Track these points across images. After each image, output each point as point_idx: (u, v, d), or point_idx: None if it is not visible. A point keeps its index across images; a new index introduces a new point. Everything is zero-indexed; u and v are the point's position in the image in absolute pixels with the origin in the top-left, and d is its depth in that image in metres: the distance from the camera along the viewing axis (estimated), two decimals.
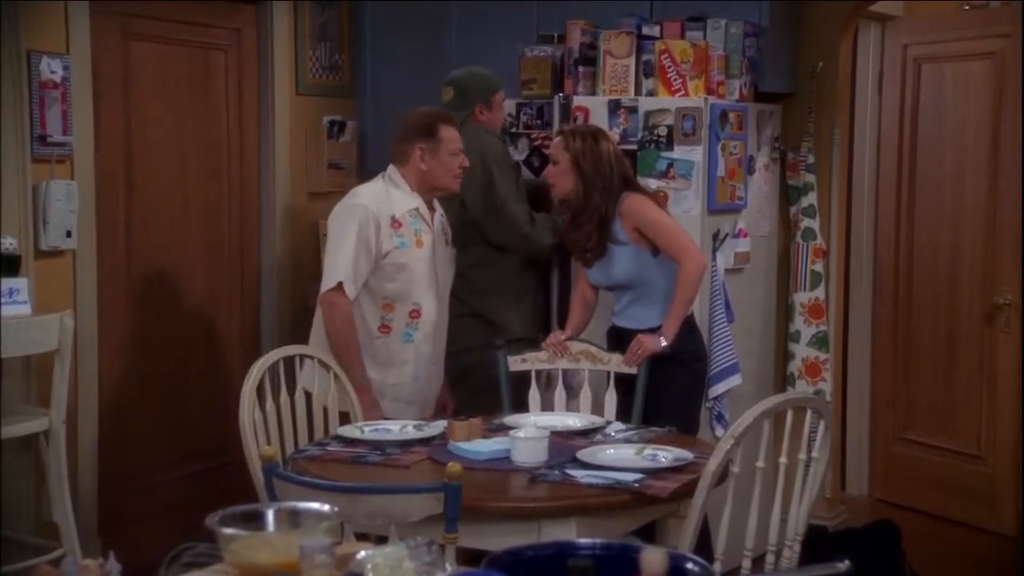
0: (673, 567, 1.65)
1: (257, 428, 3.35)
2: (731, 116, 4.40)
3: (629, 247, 3.82)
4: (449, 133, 3.81)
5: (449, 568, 1.90)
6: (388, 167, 3.88)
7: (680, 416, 3.72)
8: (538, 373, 3.95)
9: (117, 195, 4.58)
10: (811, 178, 4.74)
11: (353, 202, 3.76)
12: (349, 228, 3.68)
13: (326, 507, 2.12)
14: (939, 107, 5.36)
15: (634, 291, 3.88)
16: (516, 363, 3.93)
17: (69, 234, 4.26)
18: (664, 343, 3.76)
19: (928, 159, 5.41)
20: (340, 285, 3.65)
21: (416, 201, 3.80)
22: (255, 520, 2.07)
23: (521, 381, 3.93)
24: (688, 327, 3.87)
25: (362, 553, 1.89)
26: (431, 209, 3.88)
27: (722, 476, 2.80)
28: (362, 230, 3.67)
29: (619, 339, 3.92)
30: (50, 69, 4.18)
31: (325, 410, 3.61)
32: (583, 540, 1.94)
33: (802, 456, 2.91)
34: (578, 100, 4.47)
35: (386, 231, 3.70)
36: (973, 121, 5.20)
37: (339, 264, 3.67)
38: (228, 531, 1.97)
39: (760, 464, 2.85)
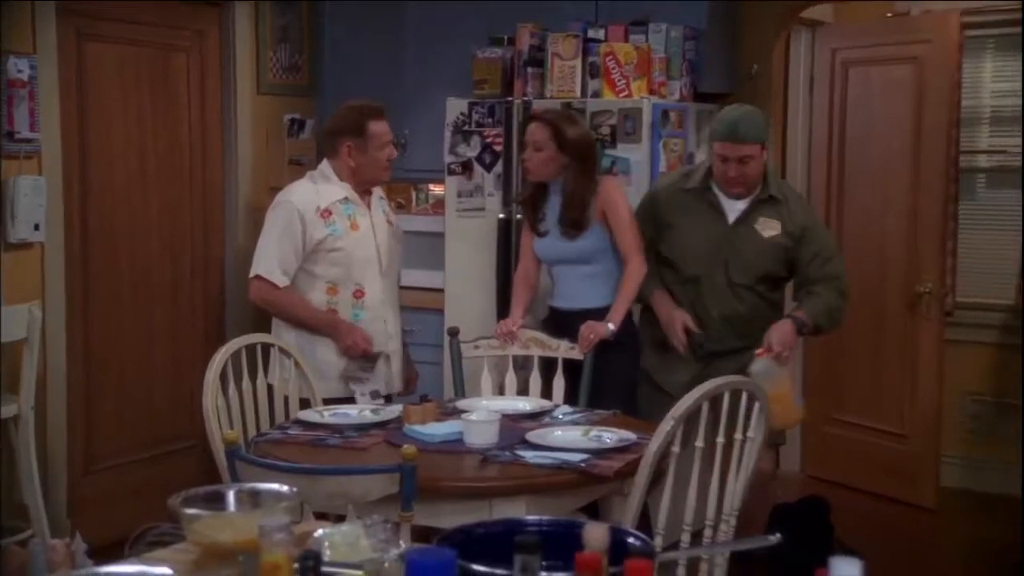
0: (615, 541, 1.68)
1: (220, 413, 3.37)
2: (672, 115, 4.54)
3: (595, 227, 3.94)
4: (377, 128, 3.86)
5: (403, 545, 1.92)
6: (321, 161, 3.98)
7: (624, 399, 3.81)
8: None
9: (83, 190, 4.62)
10: None
11: (280, 199, 3.93)
12: (275, 224, 3.86)
13: (285, 488, 2.15)
14: (866, 108, 5.50)
15: (587, 267, 3.98)
16: (469, 350, 4.02)
17: (37, 227, 4.31)
18: (612, 328, 3.86)
19: (856, 157, 5.55)
20: (259, 276, 3.84)
21: (345, 190, 3.90)
22: (217, 501, 2.10)
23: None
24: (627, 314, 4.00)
25: (320, 531, 1.93)
26: (367, 192, 3.97)
27: (663, 456, 2.84)
28: (286, 225, 3.82)
29: (559, 322, 4.02)
30: (17, 68, 4.22)
31: (286, 396, 3.66)
32: (530, 517, 2.04)
33: (738, 436, 2.92)
34: (537, 104, 4.57)
35: (315, 222, 3.82)
36: (897, 121, 5.35)
37: (261, 258, 3.86)
38: (190, 511, 2.01)
39: (699, 444, 2.85)
